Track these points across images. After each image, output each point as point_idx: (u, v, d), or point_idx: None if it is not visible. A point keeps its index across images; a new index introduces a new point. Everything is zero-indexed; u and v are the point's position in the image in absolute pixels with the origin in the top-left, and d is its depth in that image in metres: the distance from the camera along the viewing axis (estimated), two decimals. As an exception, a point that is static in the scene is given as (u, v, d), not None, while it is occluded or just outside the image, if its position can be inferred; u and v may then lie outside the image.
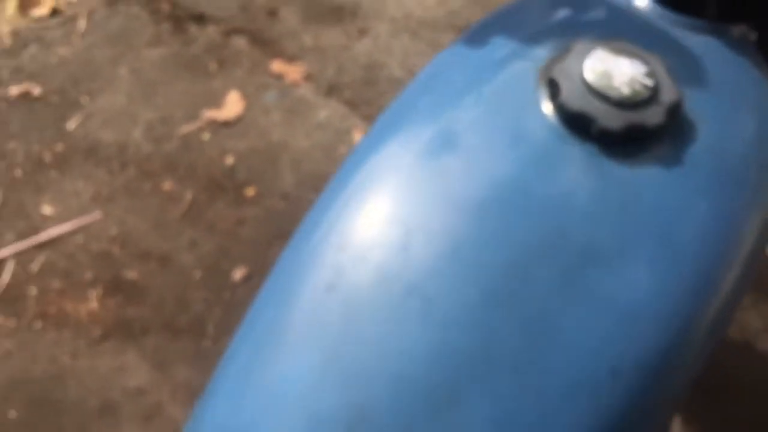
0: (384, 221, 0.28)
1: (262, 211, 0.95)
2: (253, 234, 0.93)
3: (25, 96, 1.02)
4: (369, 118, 1.02)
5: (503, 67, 0.31)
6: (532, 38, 0.32)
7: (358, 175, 0.30)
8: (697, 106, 0.30)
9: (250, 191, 0.96)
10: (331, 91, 1.04)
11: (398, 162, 0.29)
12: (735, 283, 0.30)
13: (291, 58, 1.07)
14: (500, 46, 0.32)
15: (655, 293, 0.27)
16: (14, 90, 1.02)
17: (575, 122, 0.28)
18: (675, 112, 0.28)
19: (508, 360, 0.26)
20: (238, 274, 0.90)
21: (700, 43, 0.33)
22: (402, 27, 1.11)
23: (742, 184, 0.30)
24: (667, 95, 0.28)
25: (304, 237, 0.29)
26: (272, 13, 1.12)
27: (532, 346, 0.26)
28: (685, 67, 0.31)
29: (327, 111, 1.03)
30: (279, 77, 1.06)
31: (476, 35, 0.33)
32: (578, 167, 0.28)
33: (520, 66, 0.30)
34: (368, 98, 1.04)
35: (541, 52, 0.31)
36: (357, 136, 1.00)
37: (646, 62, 0.29)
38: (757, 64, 0.34)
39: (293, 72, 1.06)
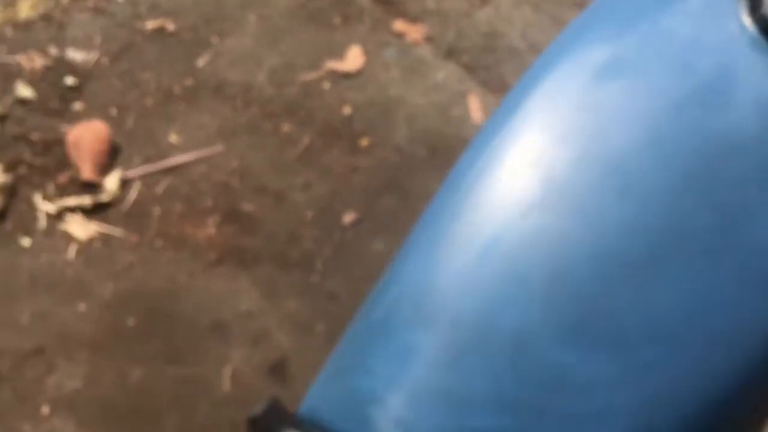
0: (576, 111, 0.30)
1: (375, 161, 0.98)
2: (365, 182, 0.96)
3: (160, 31, 1.07)
4: (485, 84, 1.04)
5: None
6: None
7: (545, 80, 0.32)
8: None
9: (364, 141, 0.99)
10: (450, 54, 1.06)
11: (594, 60, 0.31)
12: None
13: (413, 19, 1.10)
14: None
15: None
16: (150, 24, 1.08)
17: None
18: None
19: (702, 241, 0.27)
20: (348, 217, 0.93)
21: None
22: (524, -1, 1.12)
23: None
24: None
25: (496, 125, 0.31)
26: (397, -25, 1.15)
27: (725, 232, 0.27)
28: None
29: (444, 72, 1.05)
30: (400, 36, 1.08)
31: None
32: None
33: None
34: (486, 64, 1.06)
35: None
36: (472, 99, 1.02)
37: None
38: None
39: (414, 32, 1.08)
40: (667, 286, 0.25)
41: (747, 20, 0.30)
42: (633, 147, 0.28)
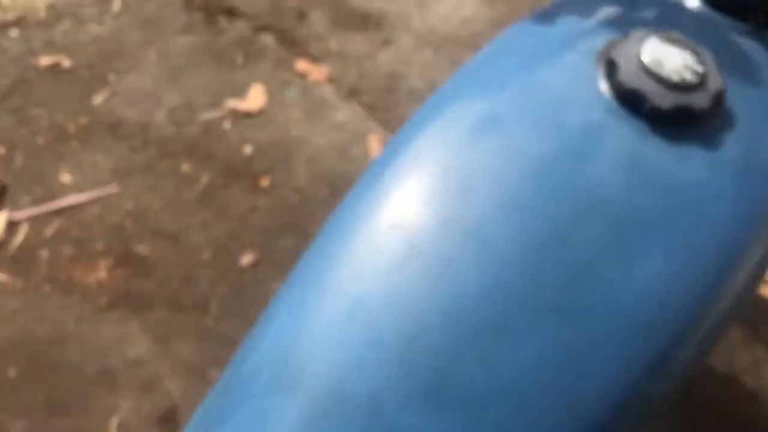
0: (446, 171, 0.31)
1: (275, 202, 0.97)
2: (264, 222, 0.95)
3: (55, 67, 1.04)
4: (385, 124, 1.05)
5: (565, 46, 0.34)
6: (593, 25, 0.35)
7: (422, 135, 0.33)
8: (739, 100, 0.33)
9: (264, 181, 0.99)
10: (352, 94, 1.07)
11: (461, 123, 0.32)
12: (753, 270, 0.32)
13: (315, 59, 1.11)
14: (564, 27, 0.35)
15: (687, 261, 0.30)
16: (45, 60, 1.05)
17: (629, 99, 0.31)
18: (719, 99, 0.31)
19: (552, 302, 0.28)
20: (245, 259, 0.92)
21: (745, 43, 0.36)
22: (425, 41, 1.14)
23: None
24: (714, 83, 0.31)
25: (367, 184, 0.32)
26: (301, 15, 1.16)
27: (575, 292, 0.28)
28: (730, 63, 0.34)
29: (346, 113, 1.06)
30: (302, 76, 1.09)
31: (544, 16, 0.36)
32: (628, 140, 0.31)
33: (581, 46, 0.33)
34: (387, 105, 1.07)
35: (601, 37, 0.34)
36: (372, 139, 1.03)
37: (695, 52, 0.32)
38: None
39: (317, 72, 1.09)
40: (516, 345, 0.25)
41: (604, 85, 0.32)
42: (495, 209, 0.28)
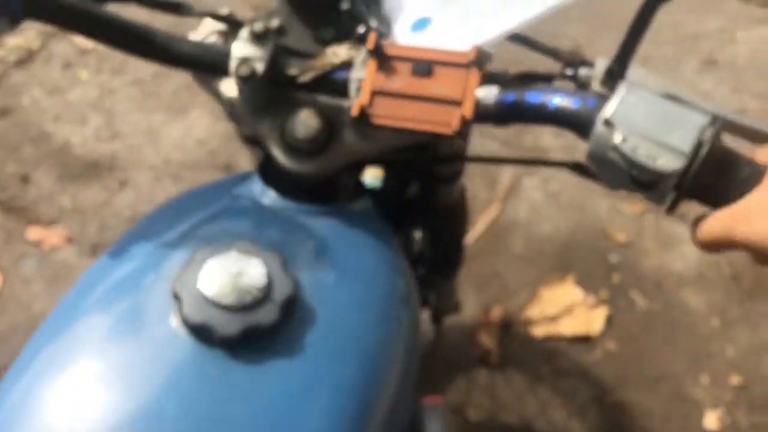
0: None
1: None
2: None
3: None
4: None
5: (140, 284, 0.33)
6: (166, 249, 0.34)
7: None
8: (318, 291, 0.34)
9: (15, 371, 0.90)
10: (95, 250, 1.02)
11: (54, 369, 0.31)
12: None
13: (49, 223, 1.05)
14: (139, 260, 0.34)
15: None
16: None
17: (199, 332, 0.31)
18: (290, 306, 0.32)
19: None
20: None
21: (323, 226, 0.37)
22: (163, 173, 1.12)
23: (366, 353, 0.33)
24: (281, 292, 0.32)
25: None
26: (24, 179, 1.09)
27: None
28: (305, 256, 0.35)
29: (93, 270, 1.00)
30: (37, 244, 1.02)
31: (118, 250, 0.35)
32: (206, 374, 0.30)
33: (154, 281, 0.33)
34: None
35: (173, 263, 0.33)
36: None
37: (261, 262, 0.32)
38: (378, 230, 0.39)
39: (53, 236, 1.03)
40: None
41: (176, 321, 0.31)
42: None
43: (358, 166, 0.43)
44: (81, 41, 1.27)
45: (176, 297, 0.31)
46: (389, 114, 0.32)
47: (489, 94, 0.31)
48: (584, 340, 0.98)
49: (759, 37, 1.39)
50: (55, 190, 1.09)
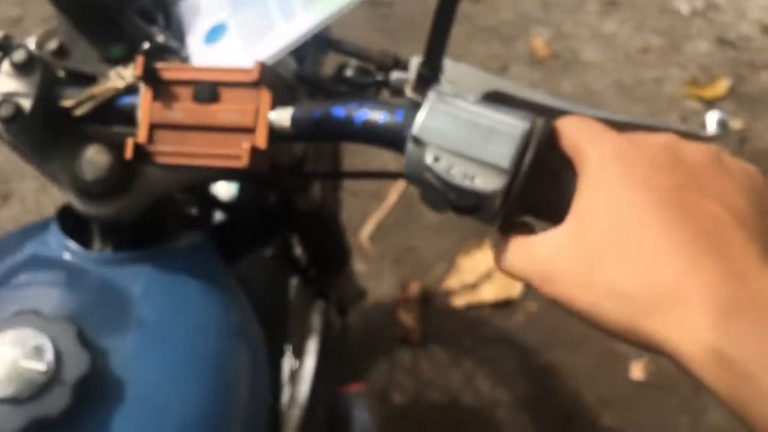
0: None
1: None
2: None
3: None
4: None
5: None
6: None
7: None
8: (126, 358, 0.29)
9: None
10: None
11: None
12: None
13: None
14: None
15: None
16: None
17: None
18: (86, 385, 0.27)
19: None
20: None
21: (136, 277, 0.32)
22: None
23: (192, 415, 0.29)
24: (74, 371, 0.27)
25: None
26: None
27: None
28: (111, 319, 0.30)
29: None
30: None
31: None
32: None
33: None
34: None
35: None
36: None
37: (48, 338, 0.27)
38: (206, 266, 0.35)
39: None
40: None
41: None
42: None
43: (174, 200, 0.38)
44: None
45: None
46: (173, 150, 0.27)
47: (283, 115, 0.27)
48: (506, 305, 0.96)
49: (659, -30, 1.37)
50: (-70, 213, 1.00)
